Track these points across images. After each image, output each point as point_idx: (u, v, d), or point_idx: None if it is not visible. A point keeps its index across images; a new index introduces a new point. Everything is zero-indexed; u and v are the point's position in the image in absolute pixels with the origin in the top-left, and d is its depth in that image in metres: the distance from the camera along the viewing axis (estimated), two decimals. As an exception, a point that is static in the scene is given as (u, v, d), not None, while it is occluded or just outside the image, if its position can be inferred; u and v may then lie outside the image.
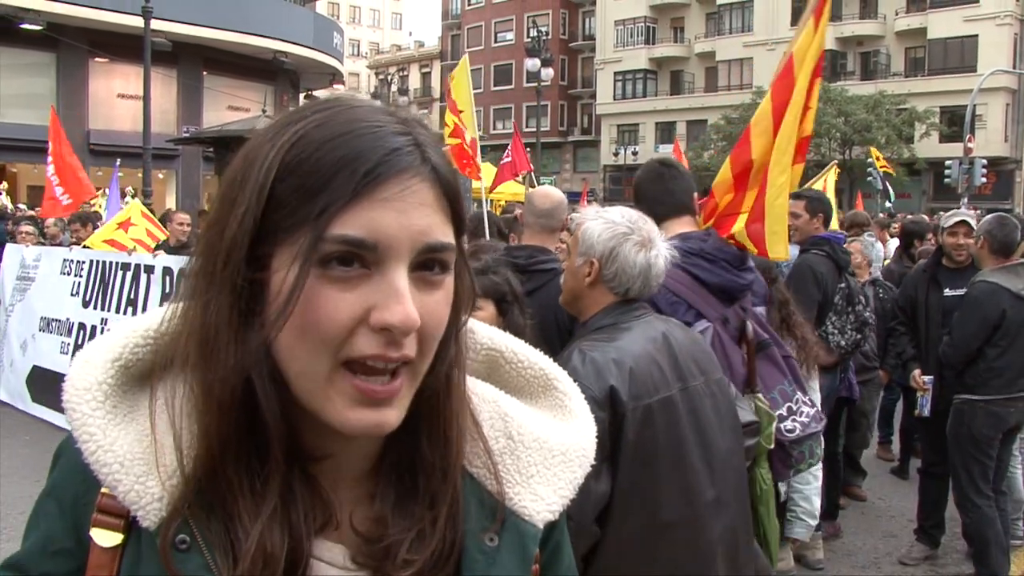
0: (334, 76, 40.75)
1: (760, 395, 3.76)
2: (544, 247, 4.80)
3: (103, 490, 1.07)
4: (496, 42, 78.53)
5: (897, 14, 58.33)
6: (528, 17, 74.38)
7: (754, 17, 62.44)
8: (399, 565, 1.08)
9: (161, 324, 1.14)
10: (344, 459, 1.12)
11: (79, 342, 10.23)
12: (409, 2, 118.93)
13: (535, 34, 40.45)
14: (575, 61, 75.47)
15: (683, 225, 4.09)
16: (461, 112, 9.60)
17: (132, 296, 9.68)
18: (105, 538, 1.07)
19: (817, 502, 5.70)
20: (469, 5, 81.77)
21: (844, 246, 7.39)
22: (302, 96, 41.00)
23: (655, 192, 4.17)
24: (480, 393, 1.24)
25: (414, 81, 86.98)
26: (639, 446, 2.78)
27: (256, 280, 1.02)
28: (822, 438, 4.09)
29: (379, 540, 1.10)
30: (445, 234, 1.04)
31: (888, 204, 25.20)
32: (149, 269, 9.55)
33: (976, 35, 53.83)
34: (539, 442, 1.22)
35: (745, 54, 62.31)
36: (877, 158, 30.92)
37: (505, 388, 1.29)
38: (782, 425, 3.79)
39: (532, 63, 36.81)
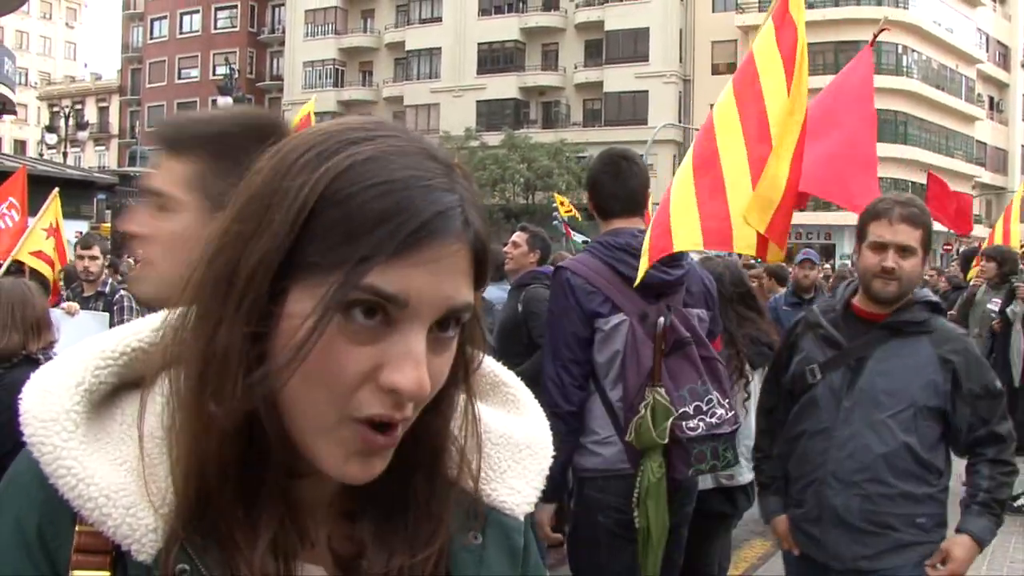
0: (4, 105, 37.93)
1: (660, 390, 3.80)
2: None
3: (79, 528, 0.98)
4: (180, 78, 76.21)
5: (576, 67, 61.47)
6: (214, 54, 72.74)
7: (441, 65, 64.19)
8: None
9: (119, 344, 1.07)
10: (324, 478, 1.08)
11: None
12: (84, 31, 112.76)
13: (226, 71, 39.60)
14: (262, 101, 74.16)
15: (631, 224, 4.12)
16: None
17: None
18: None
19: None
20: (151, 39, 78.80)
21: None
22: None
23: (610, 189, 4.16)
24: None
25: (91, 115, 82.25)
26: None
27: (268, 311, 0.95)
28: (738, 441, 4.12)
29: (360, 559, 1.08)
30: (468, 295, 1.00)
31: (582, 244, 26.14)
32: None
33: (647, 90, 57.86)
34: (504, 438, 1.22)
35: (432, 99, 63.75)
36: (562, 203, 32.10)
37: None
38: (684, 423, 3.80)
39: (224, 101, 35.85)
